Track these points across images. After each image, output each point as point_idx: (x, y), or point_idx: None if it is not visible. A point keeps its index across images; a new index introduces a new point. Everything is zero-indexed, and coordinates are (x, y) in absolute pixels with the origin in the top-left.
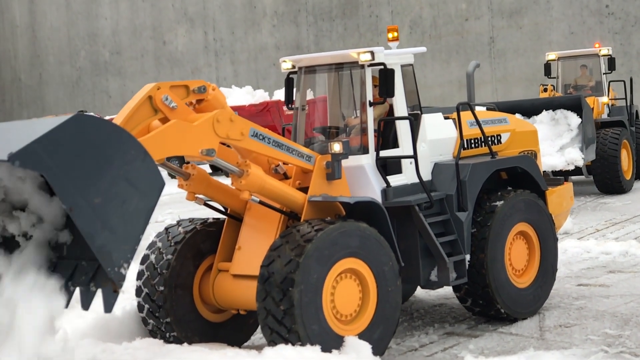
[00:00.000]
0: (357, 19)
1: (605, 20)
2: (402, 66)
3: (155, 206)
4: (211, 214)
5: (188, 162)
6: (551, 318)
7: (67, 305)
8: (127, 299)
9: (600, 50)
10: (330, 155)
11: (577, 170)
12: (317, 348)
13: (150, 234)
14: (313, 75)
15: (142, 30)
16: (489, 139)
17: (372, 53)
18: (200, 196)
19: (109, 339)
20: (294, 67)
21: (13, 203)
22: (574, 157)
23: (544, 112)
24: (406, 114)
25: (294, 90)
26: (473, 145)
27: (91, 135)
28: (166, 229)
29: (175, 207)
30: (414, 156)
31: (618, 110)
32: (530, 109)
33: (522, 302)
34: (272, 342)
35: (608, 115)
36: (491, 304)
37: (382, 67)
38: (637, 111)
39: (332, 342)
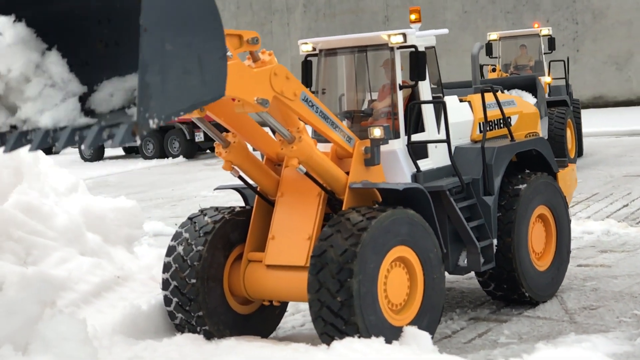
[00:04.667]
0: None
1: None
2: (425, 48)
3: (204, 104)
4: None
5: (227, 131)
6: (571, 300)
7: None
8: (146, 292)
9: (540, 30)
10: (369, 140)
11: None
12: (382, 340)
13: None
14: (334, 58)
15: None
16: (487, 121)
17: (405, 35)
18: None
19: (136, 335)
20: (314, 49)
21: None
22: None
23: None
24: (430, 97)
25: (314, 73)
26: (489, 128)
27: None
28: (190, 218)
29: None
30: (447, 140)
31: (556, 89)
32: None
33: (543, 285)
34: (324, 335)
35: (548, 95)
36: (516, 287)
37: (413, 49)
38: (571, 90)
39: (387, 332)
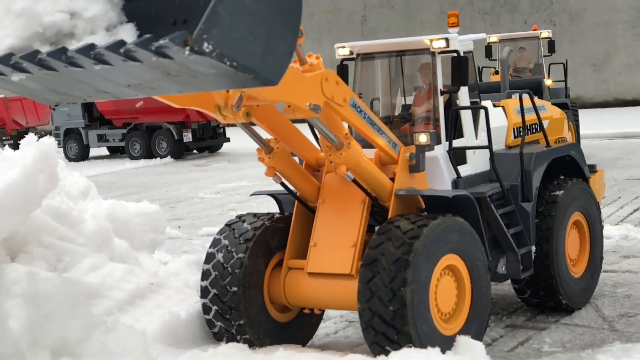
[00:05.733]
0: None
1: (475, 0)
2: (463, 53)
3: (255, 79)
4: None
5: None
6: (606, 308)
7: None
8: (182, 300)
9: (540, 33)
10: (414, 146)
11: None
12: (437, 350)
13: None
14: (371, 62)
15: None
16: (535, 126)
17: (447, 40)
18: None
19: (175, 344)
20: (351, 53)
21: None
22: None
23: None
24: (468, 103)
25: (351, 77)
26: (521, 134)
27: None
28: (229, 225)
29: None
30: (489, 146)
31: (556, 92)
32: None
33: (578, 292)
34: (374, 344)
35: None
36: (553, 295)
37: (455, 54)
38: (570, 93)
39: (438, 342)
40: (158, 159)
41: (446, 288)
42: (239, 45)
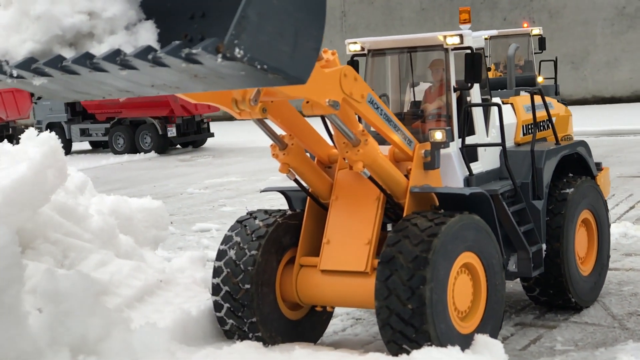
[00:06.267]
0: None
1: None
2: (475, 49)
3: (286, 77)
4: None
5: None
6: (614, 306)
7: None
8: (192, 297)
9: (531, 30)
10: (429, 143)
11: None
12: (458, 348)
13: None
14: (382, 58)
15: None
16: (543, 124)
17: (462, 36)
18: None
19: (186, 342)
20: (362, 49)
21: None
22: None
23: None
24: (480, 100)
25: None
26: (530, 131)
27: None
28: (240, 222)
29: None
30: (502, 144)
31: (546, 89)
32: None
33: (587, 290)
34: (392, 343)
35: None
36: (563, 293)
37: (469, 51)
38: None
39: (456, 340)
40: (142, 153)
41: (463, 286)
42: (268, 47)
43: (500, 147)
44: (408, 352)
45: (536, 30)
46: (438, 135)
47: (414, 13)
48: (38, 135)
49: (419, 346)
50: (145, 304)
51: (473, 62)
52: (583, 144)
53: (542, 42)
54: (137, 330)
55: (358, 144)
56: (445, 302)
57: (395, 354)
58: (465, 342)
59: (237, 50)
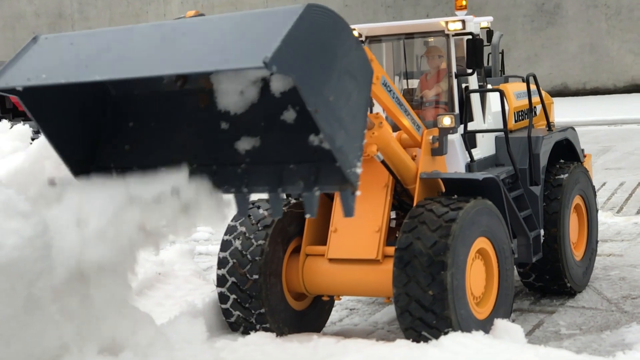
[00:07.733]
0: None
1: None
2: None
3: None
4: None
5: None
6: (606, 290)
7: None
8: (193, 289)
9: (480, 23)
10: (437, 129)
11: None
12: (482, 333)
13: None
14: (379, 45)
15: None
16: (532, 110)
17: (464, 22)
18: None
19: (194, 335)
20: (359, 35)
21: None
22: None
23: None
24: (477, 86)
25: None
26: (520, 118)
27: (320, 27)
28: None
29: None
30: (505, 130)
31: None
32: None
33: (580, 275)
34: (410, 330)
35: None
36: (558, 278)
37: (470, 36)
38: None
39: (474, 326)
40: None
41: (477, 272)
42: (356, 131)
43: (494, 134)
44: (427, 340)
45: (484, 23)
46: (446, 121)
47: (337, 9)
48: (11, 128)
49: (438, 332)
50: (146, 298)
51: (475, 47)
52: (572, 130)
53: (490, 34)
54: (174, 322)
55: (372, 126)
56: (464, 287)
57: (414, 341)
58: (482, 327)
59: (357, 168)
